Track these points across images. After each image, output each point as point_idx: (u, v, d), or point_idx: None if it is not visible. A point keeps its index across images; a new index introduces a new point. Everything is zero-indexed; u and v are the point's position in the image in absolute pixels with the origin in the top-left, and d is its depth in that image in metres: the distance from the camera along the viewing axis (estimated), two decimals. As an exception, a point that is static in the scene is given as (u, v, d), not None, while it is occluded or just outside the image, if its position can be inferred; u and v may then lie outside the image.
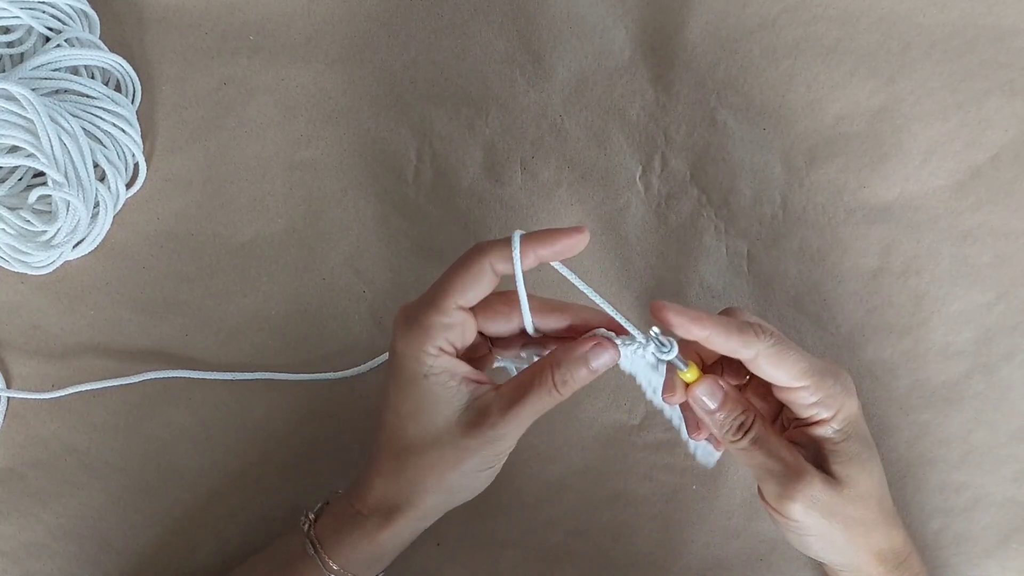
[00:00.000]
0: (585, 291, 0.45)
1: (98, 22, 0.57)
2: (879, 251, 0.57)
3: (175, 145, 0.58)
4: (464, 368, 0.45)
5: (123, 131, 0.55)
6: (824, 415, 0.45)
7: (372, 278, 0.58)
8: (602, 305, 0.45)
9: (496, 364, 0.50)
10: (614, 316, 0.45)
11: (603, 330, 0.45)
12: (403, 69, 0.59)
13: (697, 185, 0.58)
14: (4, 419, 0.56)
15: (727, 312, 0.47)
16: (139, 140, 0.56)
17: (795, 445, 0.46)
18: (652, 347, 0.44)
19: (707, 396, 0.45)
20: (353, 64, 0.59)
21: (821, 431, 0.46)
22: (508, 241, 0.44)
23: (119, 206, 0.56)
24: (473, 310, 0.46)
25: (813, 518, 0.45)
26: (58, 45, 0.55)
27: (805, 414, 0.46)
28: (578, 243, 0.44)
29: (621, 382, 0.57)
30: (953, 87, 0.58)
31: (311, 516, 0.49)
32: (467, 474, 0.46)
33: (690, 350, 0.47)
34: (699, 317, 0.44)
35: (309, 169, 0.58)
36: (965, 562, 0.56)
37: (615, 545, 0.56)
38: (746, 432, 0.45)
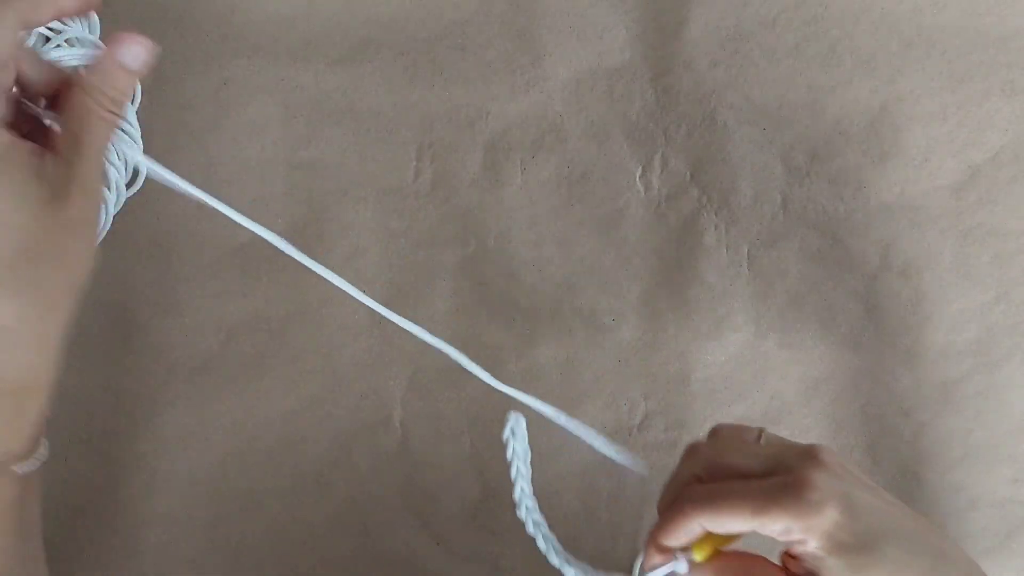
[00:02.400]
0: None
1: (98, 22, 0.57)
2: (879, 251, 0.57)
3: (175, 145, 0.58)
4: (16, 141, 0.39)
5: (123, 131, 0.55)
6: (796, 537, 0.42)
7: (372, 278, 0.58)
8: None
9: None
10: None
11: None
12: (403, 69, 0.59)
13: (697, 185, 0.58)
14: None
15: (669, 485, 0.46)
16: (139, 140, 0.56)
17: (795, 557, 0.43)
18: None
19: None
20: (353, 65, 0.59)
21: (803, 549, 0.42)
22: None
23: (119, 206, 0.56)
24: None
25: None
26: (58, 45, 0.55)
27: (782, 540, 0.42)
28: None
29: (621, 382, 0.57)
30: (953, 87, 0.58)
31: None
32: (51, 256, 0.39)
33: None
34: (652, 546, 0.44)
35: (309, 169, 0.58)
36: (965, 562, 0.56)
37: (615, 545, 0.56)
38: None
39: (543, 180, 0.58)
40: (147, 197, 0.58)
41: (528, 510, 0.44)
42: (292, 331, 0.57)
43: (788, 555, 0.44)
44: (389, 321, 0.57)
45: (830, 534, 0.41)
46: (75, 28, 0.56)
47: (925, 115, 0.58)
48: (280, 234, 0.58)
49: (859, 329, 0.57)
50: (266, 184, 0.58)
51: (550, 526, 0.47)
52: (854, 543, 0.41)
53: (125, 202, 0.57)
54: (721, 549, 0.45)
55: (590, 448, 0.57)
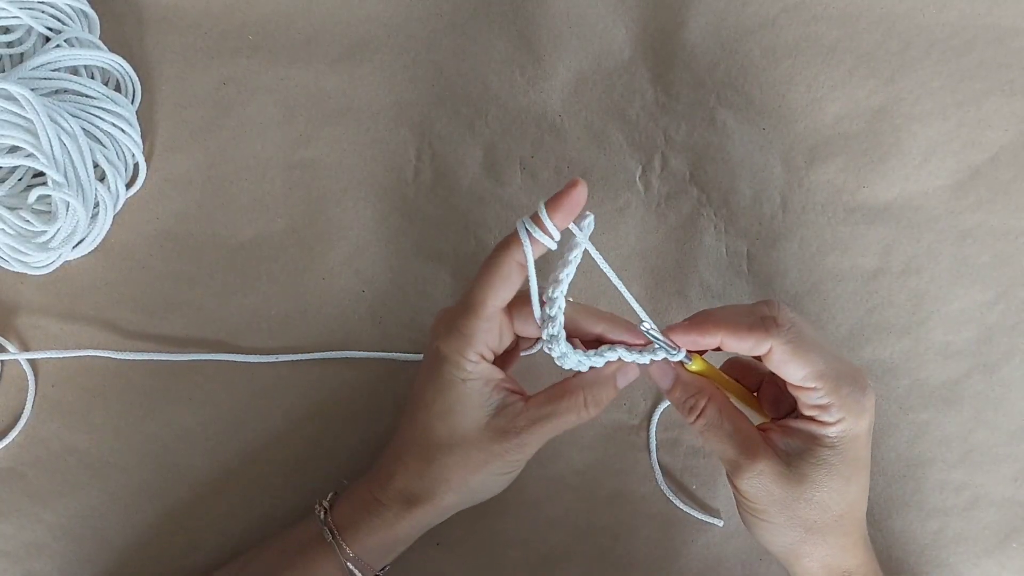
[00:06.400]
0: (610, 275, 0.46)
1: (98, 22, 0.57)
2: (879, 251, 0.57)
3: (175, 145, 0.58)
4: (499, 375, 0.48)
5: (123, 131, 0.55)
6: (825, 419, 0.45)
7: (372, 278, 0.58)
8: (626, 296, 0.46)
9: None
10: (636, 309, 0.46)
11: (620, 349, 0.47)
12: (403, 69, 0.59)
13: (697, 185, 0.58)
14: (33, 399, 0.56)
15: (758, 305, 0.47)
16: (139, 140, 0.56)
17: (791, 430, 0.47)
18: (663, 353, 0.47)
19: (659, 376, 0.48)
20: (353, 64, 0.59)
21: (815, 429, 0.46)
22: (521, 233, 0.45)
23: (119, 206, 0.56)
24: (508, 309, 0.48)
25: (761, 500, 0.46)
26: (58, 45, 0.55)
27: (807, 412, 0.46)
28: (579, 194, 0.45)
29: (621, 382, 0.57)
30: (952, 87, 0.58)
31: (325, 504, 0.51)
32: (488, 476, 0.48)
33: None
34: (705, 326, 0.46)
35: (309, 169, 0.58)
36: (964, 561, 0.56)
37: (615, 545, 0.56)
38: (698, 416, 0.47)
39: (543, 180, 0.58)
40: (147, 197, 0.58)
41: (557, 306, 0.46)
42: (292, 329, 0.57)
43: (789, 420, 0.47)
44: (388, 321, 0.57)
45: (849, 437, 0.45)
46: (75, 28, 0.56)
47: (925, 115, 0.58)
48: (280, 234, 0.58)
49: (859, 329, 0.57)
50: (266, 183, 0.58)
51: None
52: (857, 456, 0.46)
53: (125, 202, 0.57)
54: (707, 376, 0.48)
55: (590, 448, 0.57)
